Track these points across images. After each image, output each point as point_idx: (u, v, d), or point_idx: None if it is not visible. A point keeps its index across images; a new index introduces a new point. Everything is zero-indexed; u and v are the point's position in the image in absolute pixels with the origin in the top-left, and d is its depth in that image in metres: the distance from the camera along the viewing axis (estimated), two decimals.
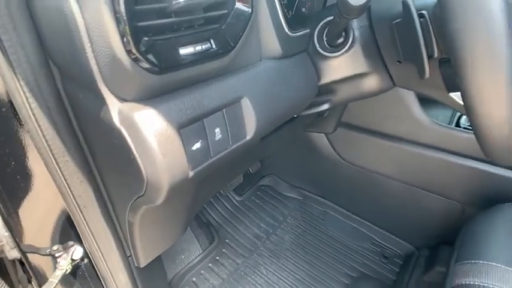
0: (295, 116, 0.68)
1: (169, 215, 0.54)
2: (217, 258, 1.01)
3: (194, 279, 0.94)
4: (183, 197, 0.52)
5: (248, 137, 0.43)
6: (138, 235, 0.52)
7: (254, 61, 0.47)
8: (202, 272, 0.96)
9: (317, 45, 0.55)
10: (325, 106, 0.62)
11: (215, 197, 1.19)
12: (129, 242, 0.54)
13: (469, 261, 0.59)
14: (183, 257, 0.96)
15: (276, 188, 1.28)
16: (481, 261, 0.57)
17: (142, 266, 0.58)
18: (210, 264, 0.98)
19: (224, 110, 0.40)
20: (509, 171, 0.74)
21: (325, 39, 0.55)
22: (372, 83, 0.56)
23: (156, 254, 0.60)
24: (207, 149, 0.38)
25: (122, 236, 0.53)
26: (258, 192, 1.26)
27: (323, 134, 1.02)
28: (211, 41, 0.37)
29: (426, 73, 0.44)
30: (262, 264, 0.99)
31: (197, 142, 0.37)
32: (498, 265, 0.56)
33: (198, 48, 0.36)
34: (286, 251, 1.04)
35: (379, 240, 1.05)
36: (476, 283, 0.54)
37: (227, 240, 1.07)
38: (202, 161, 0.38)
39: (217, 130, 0.39)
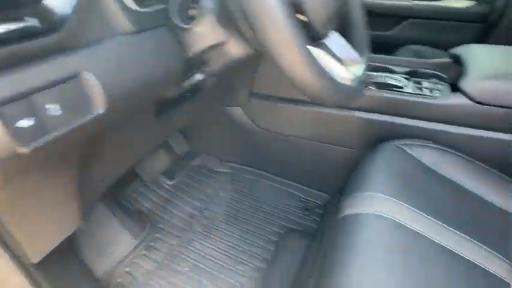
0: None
1: (40, 202, 0.52)
2: (151, 244, 1.00)
3: (127, 269, 0.93)
4: (45, 179, 0.51)
5: (96, 112, 0.43)
6: (15, 227, 0.50)
7: (103, 37, 0.46)
8: (135, 260, 0.95)
9: (174, 19, 0.55)
10: (200, 77, 0.63)
11: (145, 186, 1.17)
12: (13, 239, 0.51)
13: (355, 194, 0.64)
14: (111, 250, 0.94)
15: (207, 166, 1.29)
16: (366, 193, 0.63)
17: (35, 261, 0.56)
18: (144, 252, 0.98)
19: (59, 85, 0.39)
20: (394, 117, 0.84)
21: (180, 11, 0.55)
22: (235, 49, 0.57)
23: (50, 246, 0.58)
24: (38, 125, 0.38)
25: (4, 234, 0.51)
26: (190, 173, 1.26)
27: (240, 109, 1.06)
28: (27, 19, 0.36)
29: None
30: (196, 240, 1.01)
31: (23, 119, 0.36)
32: (378, 194, 0.62)
33: (12, 27, 0.35)
34: (219, 223, 1.06)
35: (303, 196, 1.12)
36: (360, 212, 0.60)
37: (160, 225, 1.06)
38: (35, 137, 0.38)
39: (49, 106, 0.39)
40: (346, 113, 0.88)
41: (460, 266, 0.55)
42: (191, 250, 0.98)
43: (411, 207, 0.60)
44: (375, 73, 0.89)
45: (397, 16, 1.59)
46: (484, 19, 1.50)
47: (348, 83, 0.53)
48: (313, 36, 0.51)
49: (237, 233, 1.02)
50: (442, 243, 0.57)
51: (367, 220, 0.58)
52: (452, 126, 0.79)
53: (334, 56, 0.56)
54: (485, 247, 0.59)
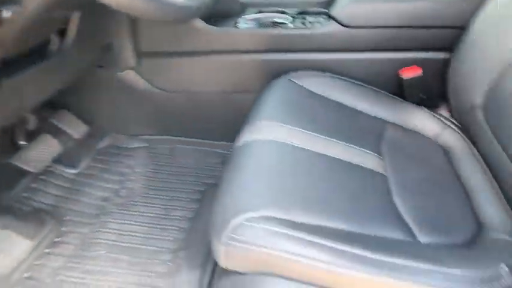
0: None
1: None
2: (56, 240, 0.84)
3: (27, 274, 0.76)
4: None
5: None
6: None
7: None
8: (37, 262, 0.79)
9: None
10: (6, 14, 0.51)
11: (40, 181, 0.99)
12: None
13: (250, 123, 0.67)
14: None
15: (117, 145, 1.14)
16: (261, 121, 0.66)
17: None
18: (47, 250, 0.81)
19: None
20: (284, 53, 0.88)
21: None
22: None
23: None
24: None
25: None
26: (97, 157, 1.10)
27: (133, 72, 0.97)
28: None
29: None
30: (113, 221, 0.88)
31: None
32: (272, 122, 0.66)
33: None
34: (137, 198, 0.94)
35: (221, 151, 1.06)
36: (255, 139, 0.63)
37: (67, 217, 0.90)
38: None
39: None
40: (242, 57, 0.89)
41: (340, 168, 0.61)
42: (107, 232, 0.85)
43: (301, 129, 0.65)
44: (267, 14, 0.91)
45: None
46: None
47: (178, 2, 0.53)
48: None
49: (157, 202, 0.92)
50: (324, 153, 0.62)
51: (260, 144, 0.61)
52: (332, 53, 0.85)
53: None
54: (362, 149, 0.66)
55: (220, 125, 1.04)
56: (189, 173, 1.00)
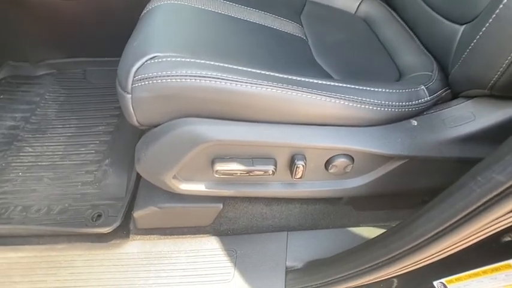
0: None
1: None
2: None
3: None
4: None
5: None
6: None
7: None
8: None
9: None
10: None
11: None
12: None
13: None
14: None
15: (20, 74, 1.04)
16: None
17: None
18: None
19: None
20: None
21: None
22: None
23: None
24: None
25: None
26: None
27: None
28: None
29: None
30: (26, 146, 0.84)
31: None
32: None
33: None
34: (52, 122, 0.90)
35: None
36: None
37: None
38: None
39: None
40: None
41: (259, 30, 0.61)
42: (23, 156, 0.82)
43: None
44: None
45: None
46: None
47: None
48: None
49: (75, 123, 0.89)
50: (242, 18, 0.61)
51: (163, 7, 0.59)
52: None
53: None
54: (281, 17, 0.67)
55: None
56: (106, 93, 0.97)
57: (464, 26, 0.52)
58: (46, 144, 0.84)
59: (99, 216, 0.68)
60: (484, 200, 0.33)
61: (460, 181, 0.37)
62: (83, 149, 0.82)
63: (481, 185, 0.34)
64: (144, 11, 0.62)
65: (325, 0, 0.78)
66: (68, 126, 0.88)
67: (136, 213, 0.64)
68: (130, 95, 0.47)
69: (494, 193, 0.32)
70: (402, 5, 0.71)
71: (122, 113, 0.90)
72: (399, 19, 0.71)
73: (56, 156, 0.81)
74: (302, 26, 0.68)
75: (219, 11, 0.61)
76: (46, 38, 0.99)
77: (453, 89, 0.55)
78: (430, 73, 0.56)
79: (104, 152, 0.81)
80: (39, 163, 0.79)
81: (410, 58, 0.62)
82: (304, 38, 0.65)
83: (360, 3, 0.79)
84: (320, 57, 0.61)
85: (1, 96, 0.99)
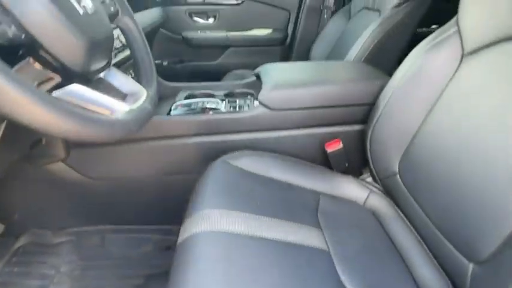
0: None
1: None
2: None
3: None
4: None
5: None
6: None
7: None
8: None
9: None
10: None
11: None
12: None
13: (189, 216, 0.64)
14: None
15: (40, 242, 1.01)
16: (199, 212, 0.63)
17: None
18: None
19: None
20: (218, 135, 0.91)
21: None
22: None
23: None
24: None
25: None
26: (14, 259, 0.96)
27: (62, 163, 0.90)
28: None
29: None
30: None
31: None
32: (211, 210, 0.63)
33: None
34: None
35: (162, 236, 1.01)
36: (194, 232, 0.59)
37: None
38: None
39: None
40: (176, 141, 0.90)
41: (286, 252, 0.59)
42: None
43: (242, 213, 0.64)
44: (197, 99, 0.96)
45: (220, 46, 1.85)
46: (282, 42, 1.84)
47: (121, 116, 0.51)
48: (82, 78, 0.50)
49: None
50: (269, 237, 0.61)
51: (203, 238, 0.58)
52: (262, 133, 0.91)
53: (112, 90, 0.56)
54: (303, 225, 0.67)
55: (159, 208, 1.00)
56: (123, 265, 0.91)
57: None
58: None
59: None
60: None
61: None
62: None
63: None
64: (180, 240, 0.61)
65: (336, 191, 0.82)
66: None
67: None
68: None
69: None
70: (409, 212, 0.73)
71: None
72: (406, 220, 0.73)
73: None
74: (321, 230, 0.68)
75: (248, 233, 0.61)
76: (71, 207, 1.01)
77: None
78: None
79: None
80: None
81: (422, 271, 0.63)
82: (327, 249, 0.64)
83: (368, 196, 0.82)
84: (345, 275, 0.59)
85: (15, 270, 0.93)
